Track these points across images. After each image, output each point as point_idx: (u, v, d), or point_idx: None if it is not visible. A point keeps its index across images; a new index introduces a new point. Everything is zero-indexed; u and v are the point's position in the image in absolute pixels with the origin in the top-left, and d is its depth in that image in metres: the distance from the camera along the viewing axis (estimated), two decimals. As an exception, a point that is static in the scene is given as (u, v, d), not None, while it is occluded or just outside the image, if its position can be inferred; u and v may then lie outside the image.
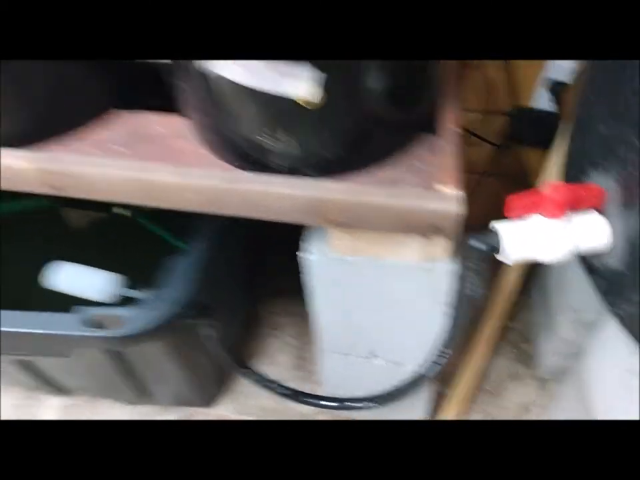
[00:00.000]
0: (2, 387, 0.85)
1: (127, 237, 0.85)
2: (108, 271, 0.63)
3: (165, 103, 0.51)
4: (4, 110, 0.46)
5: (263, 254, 0.92)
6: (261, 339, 0.89)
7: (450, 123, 0.49)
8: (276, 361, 0.87)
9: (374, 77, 0.39)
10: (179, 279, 0.55)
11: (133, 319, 0.51)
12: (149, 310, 0.52)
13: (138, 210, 0.77)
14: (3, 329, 0.52)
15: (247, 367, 0.70)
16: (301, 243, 0.52)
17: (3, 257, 0.84)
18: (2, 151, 0.47)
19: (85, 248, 0.86)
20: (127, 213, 0.82)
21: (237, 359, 0.70)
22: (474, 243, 0.40)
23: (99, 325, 0.51)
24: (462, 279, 0.44)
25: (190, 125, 0.49)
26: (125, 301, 0.64)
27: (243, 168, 0.45)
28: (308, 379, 0.84)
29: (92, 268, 0.62)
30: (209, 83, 0.39)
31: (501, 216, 0.44)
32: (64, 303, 0.61)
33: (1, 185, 0.48)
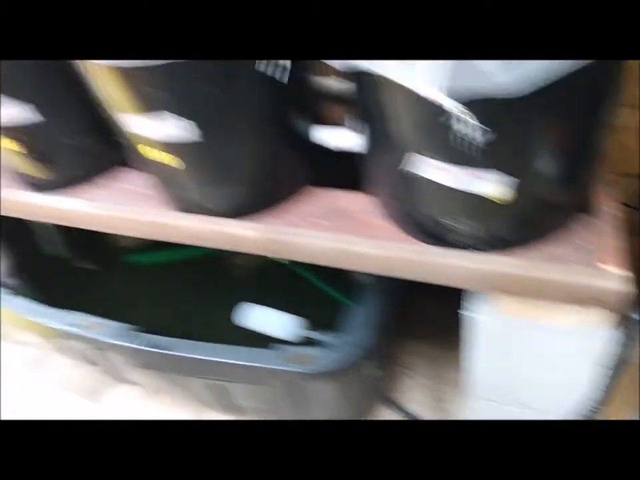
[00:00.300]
0: (180, 400, 1.01)
1: (282, 279, 0.98)
2: (289, 313, 0.75)
3: (349, 181, 0.63)
4: (238, 189, 0.60)
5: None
6: (395, 378, 0.98)
7: (606, 204, 0.56)
8: (410, 400, 0.95)
9: (553, 170, 0.47)
10: (359, 325, 0.65)
11: (321, 358, 0.63)
12: (335, 351, 0.63)
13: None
14: (212, 358, 0.65)
15: (395, 404, 0.79)
16: (464, 302, 0.61)
17: (185, 296, 1.01)
18: (234, 222, 0.61)
19: (249, 289, 1.01)
20: (284, 260, 0.96)
21: (387, 395, 0.80)
22: (637, 316, 0.47)
23: (294, 361, 0.63)
24: (620, 344, 0.50)
25: (376, 202, 0.60)
26: (304, 341, 0.77)
27: (426, 242, 0.54)
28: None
29: (276, 310, 0.75)
30: (407, 178, 0.49)
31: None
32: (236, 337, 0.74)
33: (230, 247, 0.63)
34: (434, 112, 0.36)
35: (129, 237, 0.75)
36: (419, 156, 0.44)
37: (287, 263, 0.96)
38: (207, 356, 0.64)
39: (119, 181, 0.71)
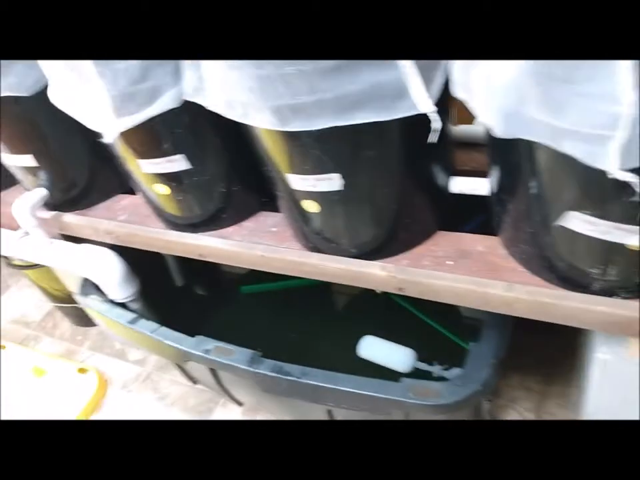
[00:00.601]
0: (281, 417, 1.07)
1: (384, 309, 1.02)
2: (404, 346, 0.79)
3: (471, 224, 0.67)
4: (371, 233, 0.65)
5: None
6: (500, 411, 0.99)
7: None
8: (512, 432, 0.96)
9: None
10: (478, 361, 0.68)
11: (445, 392, 0.66)
12: (456, 386, 0.66)
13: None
14: (340, 387, 0.70)
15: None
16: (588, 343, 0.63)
17: (295, 323, 1.06)
18: (365, 262, 0.66)
19: (352, 317, 1.06)
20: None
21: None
22: None
23: (419, 394, 0.66)
24: None
25: (505, 245, 0.63)
26: (417, 373, 0.80)
27: (561, 286, 0.57)
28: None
29: (392, 342, 0.79)
30: (551, 229, 0.52)
31: None
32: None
33: (359, 285, 0.67)
34: (602, 180, 0.39)
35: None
36: (571, 212, 0.47)
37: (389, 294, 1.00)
38: (336, 385, 0.69)
39: (258, 222, 0.78)
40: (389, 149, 0.57)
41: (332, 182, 0.58)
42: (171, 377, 1.27)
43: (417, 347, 0.87)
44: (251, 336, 0.97)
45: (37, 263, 0.99)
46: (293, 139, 0.55)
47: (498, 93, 0.41)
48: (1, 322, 1.66)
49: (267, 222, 0.79)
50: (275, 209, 0.78)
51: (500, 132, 0.42)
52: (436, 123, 0.48)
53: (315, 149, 0.55)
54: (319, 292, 1.10)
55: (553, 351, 0.99)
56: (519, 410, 0.98)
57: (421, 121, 0.49)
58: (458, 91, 0.47)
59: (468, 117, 0.82)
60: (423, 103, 0.48)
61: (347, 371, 0.72)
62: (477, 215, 0.69)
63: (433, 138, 0.49)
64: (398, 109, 0.49)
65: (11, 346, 1.48)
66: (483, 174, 0.72)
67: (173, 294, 1.12)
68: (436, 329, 0.95)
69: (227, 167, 0.73)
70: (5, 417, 1.28)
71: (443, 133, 0.64)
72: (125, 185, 0.95)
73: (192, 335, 0.86)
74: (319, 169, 0.57)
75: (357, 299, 1.10)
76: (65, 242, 0.95)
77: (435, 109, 0.48)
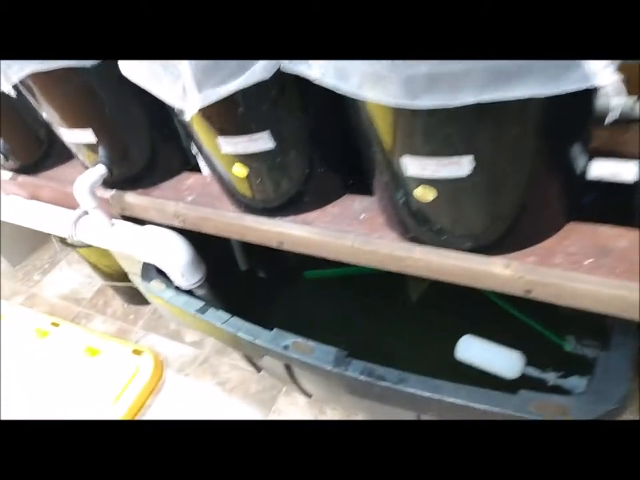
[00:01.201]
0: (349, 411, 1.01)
1: (458, 298, 0.93)
2: (509, 348, 0.70)
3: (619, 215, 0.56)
4: (494, 224, 0.55)
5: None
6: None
7: None
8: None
9: None
10: (615, 373, 0.58)
11: (575, 410, 0.57)
12: (590, 402, 0.57)
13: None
14: (446, 398, 0.62)
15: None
16: None
17: (363, 312, 0.99)
18: (486, 258, 0.57)
19: (424, 310, 0.97)
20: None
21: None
22: None
23: (544, 411, 0.58)
24: None
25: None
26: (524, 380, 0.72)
27: None
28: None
29: (495, 343, 0.71)
30: None
31: None
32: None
33: (478, 285, 0.59)
34: None
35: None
36: None
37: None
38: (441, 396, 0.61)
39: (344, 207, 0.69)
40: (531, 127, 0.47)
41: (460, 166, 0.48)
42: (231, 361, 1.22)
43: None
44: (319, 325, 0.90)
45: (97, 244, 0.93)
46: (419, 116, 0.45)
47: None
48: (51, 298, 1.64)
49: (354, 207, 0.70)
50: (361, 191, 0.69)
51: None
52: (619, 98, 0.38)
53: (447, 127, 0.46)
54: (389, 279, 1.02)
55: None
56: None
57: (574, 94, 0.40)
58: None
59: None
60: (602, 73, 0.38)
61: (438, 372, 0.64)
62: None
63: (612, 117, 0.39)
64: (567, 80, 0.39)
65: (64, 324, 1.46)
66: (606, 153, 0.62)
67: (237, 278, 1.05)
68: (531, 325, 0.86)
69: (314, 145, 0.64)
70: (61, 398, 1.26)
71: (591, 109, 0.53)
72: (189, 161, 0.88)
73: (258, 323, 0.79)
74: (447, 151, 0.47)
75: (432, 287, 1.02)
76: (128, 223, 0.88)
77: (618, 77, 0.38)
